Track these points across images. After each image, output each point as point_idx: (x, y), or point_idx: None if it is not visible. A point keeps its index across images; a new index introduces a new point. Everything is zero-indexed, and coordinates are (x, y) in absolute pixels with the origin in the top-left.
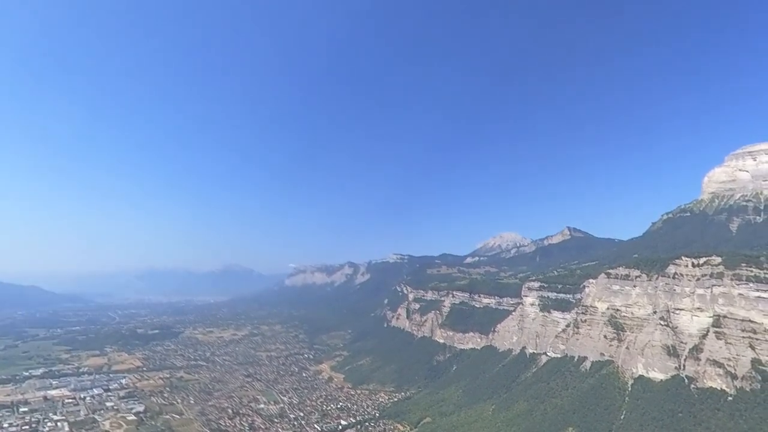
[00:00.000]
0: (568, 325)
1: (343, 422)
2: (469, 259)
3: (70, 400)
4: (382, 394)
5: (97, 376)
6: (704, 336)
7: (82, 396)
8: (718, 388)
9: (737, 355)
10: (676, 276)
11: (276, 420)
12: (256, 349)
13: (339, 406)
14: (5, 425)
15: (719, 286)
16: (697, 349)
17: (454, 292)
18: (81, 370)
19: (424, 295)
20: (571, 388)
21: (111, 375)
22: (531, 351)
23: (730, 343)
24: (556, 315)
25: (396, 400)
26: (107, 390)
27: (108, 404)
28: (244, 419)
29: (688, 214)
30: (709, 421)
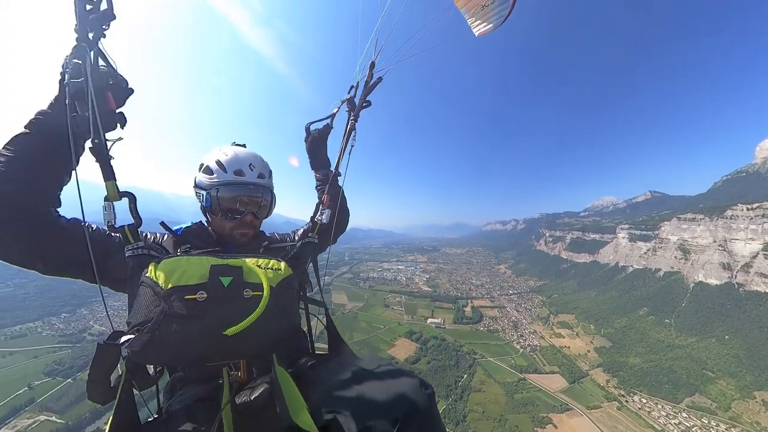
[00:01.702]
0: (648, 250)
1: (510, 291)
2: (582, 214)
3: (404, 270)
4: (531, 282)
5: (412, 263)
6: (754, 257)
7: (407, 269)
8: (762, 291)
9: None
10: (733, 217)
11: (479, 287)
12: (469, 258)
13: (509, 284)
14: (387, 275)
15: None
16: (747, 266)
17: (573, 231)
18: (407, 260)
19: (554, 233)
20: (648, 286)
21: (416, 263)
22: (622, 264)
23: None
24: (640, 243)
25: (539, 285)
26: (415, 269)
27: (417, 274)
28: (465, 286)
29: (744, 174)
30: (751, 312)
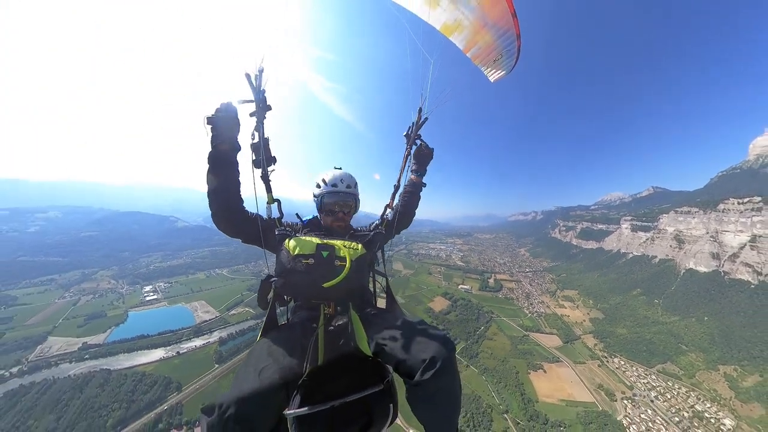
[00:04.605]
0: (647, 239)
1: (527, 269)
2: (592, 207)
3: (444, 249)
4: (545, 263)
5: (450, 244)
6: (742, 248)
7: (447, 248)
8: (745, 279)
9: (764, 260)
10: (725, 210)
11: (502, 265)
12: (496, 242)
13: (526, 264)
14: (432, 252)
15: (758, 216)
16: (734, 255)
17: (583, 222)
18: (447, 242)
19: (567, 223)
20: (643, 270)
21: (454, 244)
22: (623, 251)
23: (761, 253)
24: (641, 233)
25: (551, 265)
26: (453, 248)
27: (454, 252)
28: (490, 263)
29: (738, 170)
30: (732, 297)
